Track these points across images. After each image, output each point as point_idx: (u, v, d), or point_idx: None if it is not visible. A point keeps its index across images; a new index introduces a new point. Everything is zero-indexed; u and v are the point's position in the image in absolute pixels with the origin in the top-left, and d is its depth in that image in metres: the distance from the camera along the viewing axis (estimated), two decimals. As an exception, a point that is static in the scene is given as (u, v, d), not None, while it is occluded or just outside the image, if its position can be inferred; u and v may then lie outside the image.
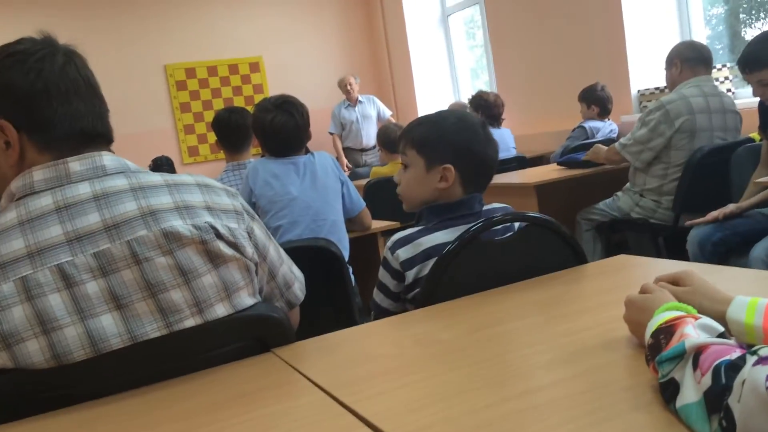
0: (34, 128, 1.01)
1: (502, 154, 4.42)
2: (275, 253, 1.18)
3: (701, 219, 2.52)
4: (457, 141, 1.41)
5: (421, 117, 1.51)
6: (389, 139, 4.09)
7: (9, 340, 0.90)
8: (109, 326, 0.94)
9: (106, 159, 1.03)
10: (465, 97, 6.33)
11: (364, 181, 4.00)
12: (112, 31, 6.18)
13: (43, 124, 1.01)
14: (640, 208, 3.09)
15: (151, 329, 0.96)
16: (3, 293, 0.90)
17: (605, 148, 3.27)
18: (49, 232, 0.94)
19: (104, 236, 0.96)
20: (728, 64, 4.01)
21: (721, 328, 0.72)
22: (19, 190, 0.99)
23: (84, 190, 0.99)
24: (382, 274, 1.41)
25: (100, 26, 6.15)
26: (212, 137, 3.10)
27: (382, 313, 1.41)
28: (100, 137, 1.06)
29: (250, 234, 1.10)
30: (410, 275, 1.36)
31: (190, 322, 0.99)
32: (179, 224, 0.99)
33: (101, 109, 1.08)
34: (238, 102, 6.90)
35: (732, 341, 0.69)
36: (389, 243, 1.40)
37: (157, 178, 1.05)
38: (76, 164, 1.00)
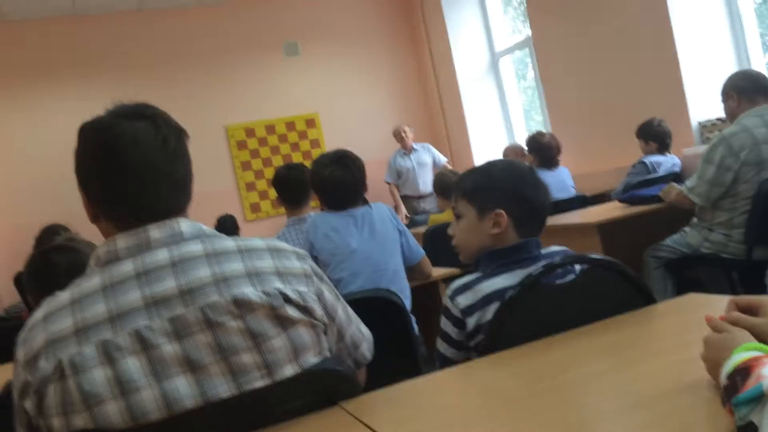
0: (109, 204, 1.08)
1: (562, 195, 4.37)
2: (344, 313, 1.20)
3: None
4: (507, 186, 1.43)
5: (471, 168, 1.54)
6: (445, 186, 4.11)
7: (90, 401, 0.94)
8: (183, 388, 0.97)
9: (184, 225, 1.08)
10: (519, 140, 6.32)
11: (422, 229, 4.01)
12: (176, 99, 6.49)
13: (119, 199, 1.07)
14: (709, 242, 2.97)
15: (223, 390, 0.99)
16: (85, 356, 0.95)
17: (678, 187, 3.15)
18: (129, 297, 1.00)
19: (179, 301, 1.00)
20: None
21: (801, 369, 0.69)
22: (105, 256, 1.05)
23: (162, 255, 1.04)
24: (444, 323, 1.41)
25: (165, 95, 6.48)
26: (273, 194, 3.20)
27: (446, 362, 1.40)
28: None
29: (320, 296, 1.12)
30: (471, 322, 1.36)
31: (259, 383, 1.01)
32: (250, 291, 1.03)
33: (183, 177, 1.13)
34: (296, 157, 7.08)
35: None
36: (449, 291, 1.40)
37: (231, 243, 1.10)
38: (156, 232, 1.06)
